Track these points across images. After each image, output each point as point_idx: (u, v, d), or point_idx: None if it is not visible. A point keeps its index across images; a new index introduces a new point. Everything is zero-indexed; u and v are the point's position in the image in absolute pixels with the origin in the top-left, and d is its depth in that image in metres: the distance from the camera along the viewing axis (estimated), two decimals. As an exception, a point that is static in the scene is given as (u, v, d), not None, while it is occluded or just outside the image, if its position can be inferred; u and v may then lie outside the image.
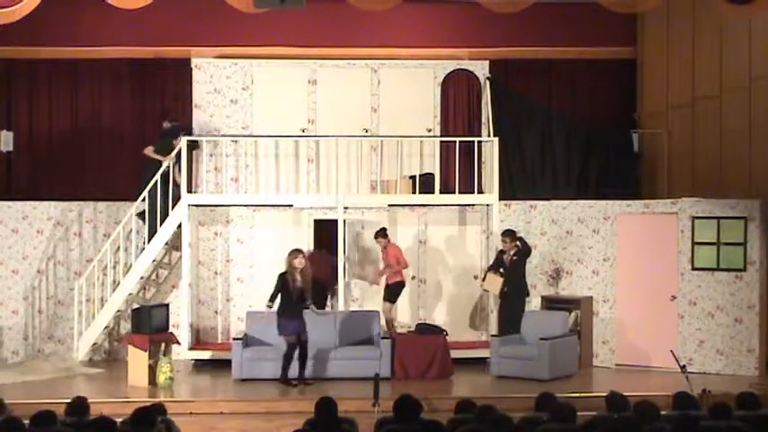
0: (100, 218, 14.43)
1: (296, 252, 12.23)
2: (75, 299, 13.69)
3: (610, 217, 13.74)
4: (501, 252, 13.17)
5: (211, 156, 14.40)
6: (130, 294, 13.83)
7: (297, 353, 12.01)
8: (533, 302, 13.97)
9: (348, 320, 12.86)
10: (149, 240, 13.58)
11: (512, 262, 13.04)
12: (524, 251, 13.10)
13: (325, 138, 14.14)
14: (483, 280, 13.40)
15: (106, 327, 13.73)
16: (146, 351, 12.06)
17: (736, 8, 11.48)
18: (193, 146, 13.97)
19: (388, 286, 13.51)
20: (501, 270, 13.04)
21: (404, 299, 14.26)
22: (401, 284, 13.53)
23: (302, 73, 14.53)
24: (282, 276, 12.08)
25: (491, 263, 13.36)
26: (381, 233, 13.51)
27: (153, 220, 13.54)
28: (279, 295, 12.06)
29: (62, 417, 7.42)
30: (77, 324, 13.60)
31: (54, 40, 14.77)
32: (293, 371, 12.01)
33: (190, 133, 13.93)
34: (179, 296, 13.86)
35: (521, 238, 13.20)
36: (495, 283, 13.05)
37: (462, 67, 14.77)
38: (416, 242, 14.39)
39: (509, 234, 13.13)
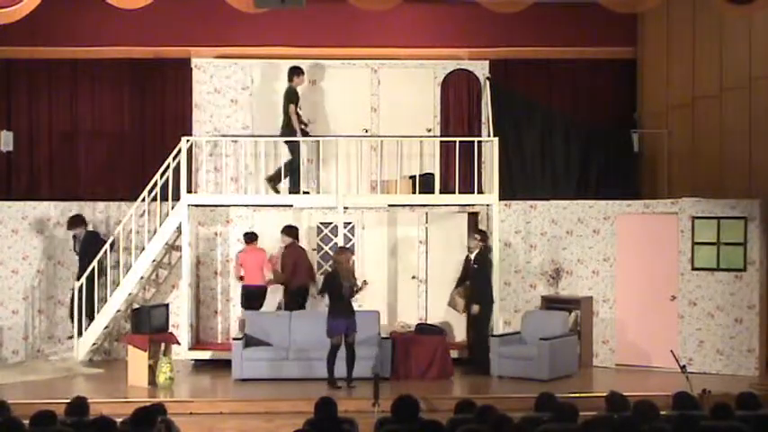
0: (100, 218, 14.43)
1: (342, 249, 12.40)
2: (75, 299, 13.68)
3: (610, 217, 13.74)
4: (467, 257, 13.18)
5: (211, 156, 14.40)
6: (130, 294, 13.83)
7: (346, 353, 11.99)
8: (533, 302, 13.99)
9: (348, 320, 12.85)
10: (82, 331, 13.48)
11: (474, 270, 12.96)
12: (490, 261, 13.03)
13: (325, 138, 14.13)
14: (455, 288, 13.39)
15: (106, 327, 13.73)
16: (146, 351, 12.06)
17: (736, 8, 11.50)
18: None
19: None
20: (467, 283, 13.09)
21: (404, 299, 14.26)
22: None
23: (302, 73, 14.52)
24: (332, 275, 12.10)
25: (459, 274, 13.36)
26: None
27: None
28: (327, 295, 12.20)
29: (62, 417, 7.42)
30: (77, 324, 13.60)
31: (54, 39, 14.76)
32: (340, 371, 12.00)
33: (102, 240, 13.79)
34: (179, 296, 13.86)
35: (486, 248, 13.10)
36: (458, 303, 13.23)
37: (462, 67, 14.76)
38: (416, 242, 14.38)
39: (478, 233, 13.14)
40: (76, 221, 13.88)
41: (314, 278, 13.90)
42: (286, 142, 13.79)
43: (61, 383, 12.33)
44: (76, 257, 13.87)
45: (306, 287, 13.74)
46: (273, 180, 13.91)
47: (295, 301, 13.58)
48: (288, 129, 13.73)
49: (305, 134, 13.81)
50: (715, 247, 12.95)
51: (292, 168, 13.80)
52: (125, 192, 14.51)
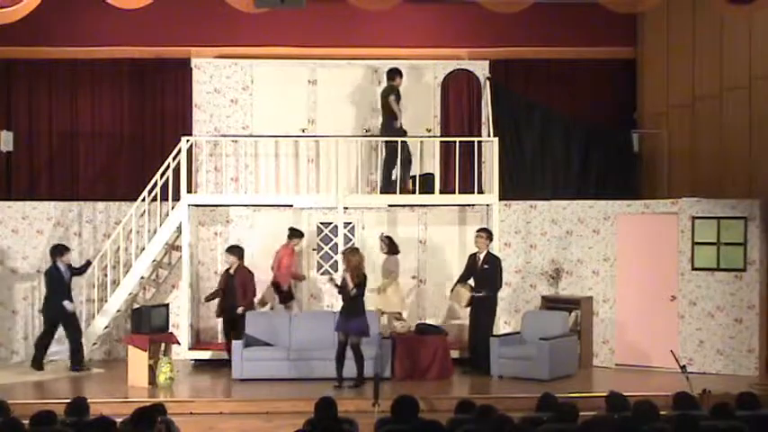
0: (100, 218, 14.43)
1: (349, 250, 12.45)
2: (74, 299, 13.66)
3: (610, 217, 13.74)
4: (472, 256, 13.07)
5: (211, 156, 14.40)
6: (130, 294, 13.83)
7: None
8: (533, 302, 13.99)
9: (348, 320, 12.84)
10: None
11: (483, 271, 12.87)
12: (499, 262, 12.90)
13: (325, 138, 14.14)
14: (452, 291, 13.17)
15: (106, 327, 13.73)
16: (146, 351, 12.06)
17: (736, 8, 11.49)
18: None
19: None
20: (470, 283, 12.91)
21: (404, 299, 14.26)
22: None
23: (302, 73, 14.53)
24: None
25: (463, 270, 13.13)
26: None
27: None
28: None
29: (62, 417, 7.42)
30: (77, 324, 13.61)
31: (54, 40, 14.77)
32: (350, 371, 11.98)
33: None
34: (179, 296, 13.86)
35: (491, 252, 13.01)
36: (462, 296, 12.95)
37: (462, 67, 14.76)
38: (416, 242, 14.38)
39: (485, 231, 13.02)
40: (59, 250, 13.25)
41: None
42: (385, 142, 13.72)
43: (61, 383, 12.34)
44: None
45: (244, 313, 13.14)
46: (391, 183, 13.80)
47: (239, 326, 12.87)
48: (388, 128, 13.75)
49: (403, 132, 13.82)
50: (715, 247, 12.95)
51: (390, 165, 13.74)
52: (125, 192, 14.52)
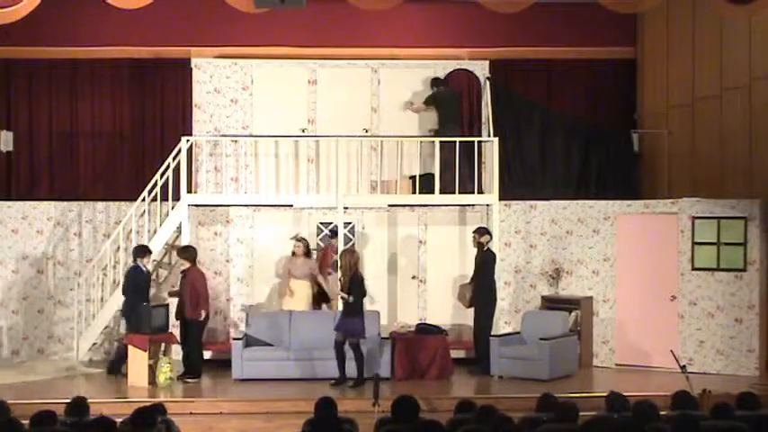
0: (100, 218, 14.43)
1: (343, 250, 12.45)
2: (74, 299, 13.69)
3: (610, 217, 13.74)
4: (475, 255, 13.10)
5: (211, 156, 14.40)
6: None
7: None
8: (533, 302, 13.99)
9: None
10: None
11: (476, 267, 12.86)
12: (489, 257, 12.91)
13: (325, 138, 14.14)
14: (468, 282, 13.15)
15: (106, 327, 13.73)
16: (146, 351, 12.06)
17: (736, 8, 11.48)
18: None
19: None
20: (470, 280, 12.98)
21: (404, 299, 14.25)
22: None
23: (302, 73, 14.53)
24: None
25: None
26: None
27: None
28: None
29: (62, 417, 7.42)
30: (77, 324, 13.60)
31: (54, 40, 14.77)
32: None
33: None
34: (179, 296, 13.85)
35: (487, 248, 12.96)
36: (466, 296, 13.02)
37: (462, 67, 14.76)
38: (416, 242, 14.38)
39: (480, 231, 12.99)
40: (141, 251, 12.87)
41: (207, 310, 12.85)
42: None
43: (61, 383, 12.34)
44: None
45: (206, 318, 12.88)
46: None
47: (196, 333, 12.69)
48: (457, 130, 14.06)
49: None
50: (715, 247, 12.95)
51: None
52: (125, 192, 14.52)
